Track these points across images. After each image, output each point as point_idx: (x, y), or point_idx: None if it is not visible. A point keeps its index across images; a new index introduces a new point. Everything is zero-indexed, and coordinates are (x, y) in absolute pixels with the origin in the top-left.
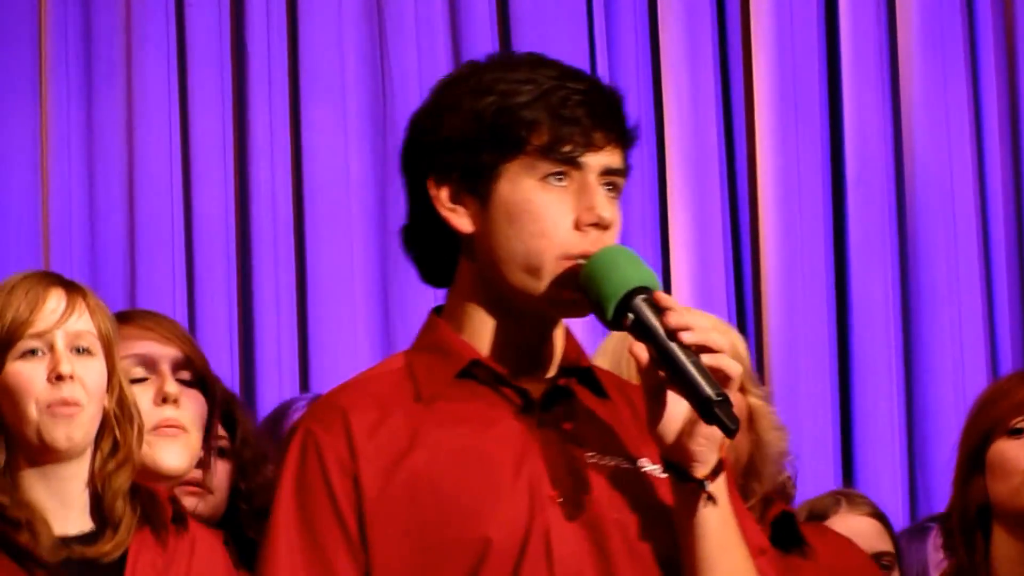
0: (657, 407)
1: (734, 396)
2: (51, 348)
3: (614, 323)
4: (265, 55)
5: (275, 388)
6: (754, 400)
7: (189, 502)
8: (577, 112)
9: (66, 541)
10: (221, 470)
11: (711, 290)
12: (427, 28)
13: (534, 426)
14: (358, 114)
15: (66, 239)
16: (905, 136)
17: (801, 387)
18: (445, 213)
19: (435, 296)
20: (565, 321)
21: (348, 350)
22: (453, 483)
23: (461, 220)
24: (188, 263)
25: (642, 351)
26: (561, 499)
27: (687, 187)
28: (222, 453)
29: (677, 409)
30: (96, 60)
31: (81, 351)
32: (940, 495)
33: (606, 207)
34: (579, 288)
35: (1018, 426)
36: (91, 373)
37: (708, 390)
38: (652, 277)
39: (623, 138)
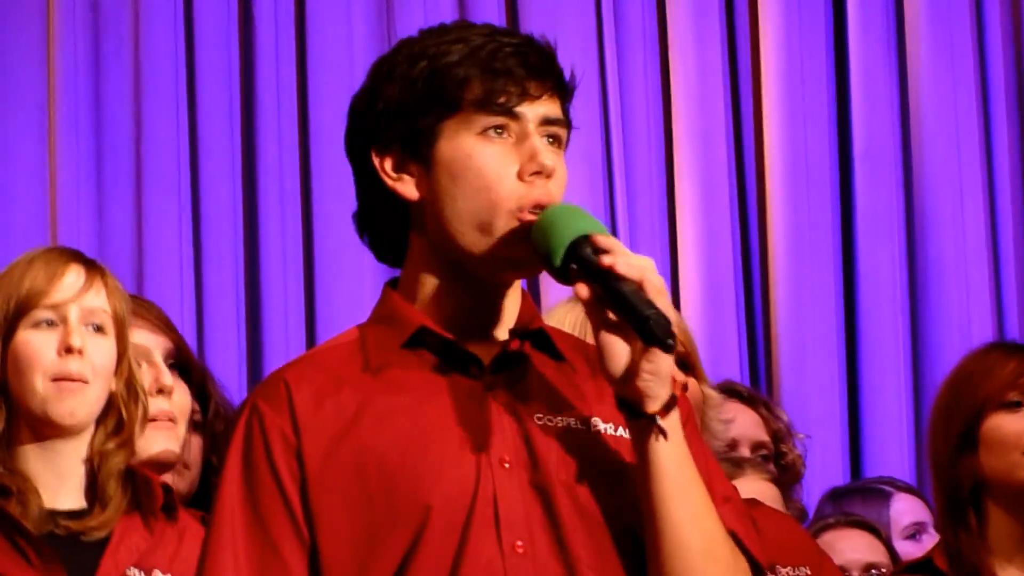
0: (604, 346)
1: (692, 383)
2: (64, 321)
3: (562, 273)
4: (272, 24)
5: (282, 358)
6: (706, 388)
7: (167, 479)
8: (509, 63)
9: (54, 515)
10: (195, 444)
11: (718, 266)
12: (434, 5)
13: (483, 391)
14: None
15: (73, 210)
16: (912, 110)
17: (808, 362)
18: (390, 183)
19: None
20: (521, 284)
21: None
22: (398, 453)
23: (407, 188)
24: (195, 236)
25: (584, 289)
26: (508, 463)
27: (695, 162)
28: (194, 427)
29: (620, 347)
30: (104, 32)
31: (94, 328)
32: None
33: (548, 155)
34: (529, 243)
35: (1013, 399)
36: (100, 351)
37: (644, 309)
38: (600, 227)
39: (560, 89)
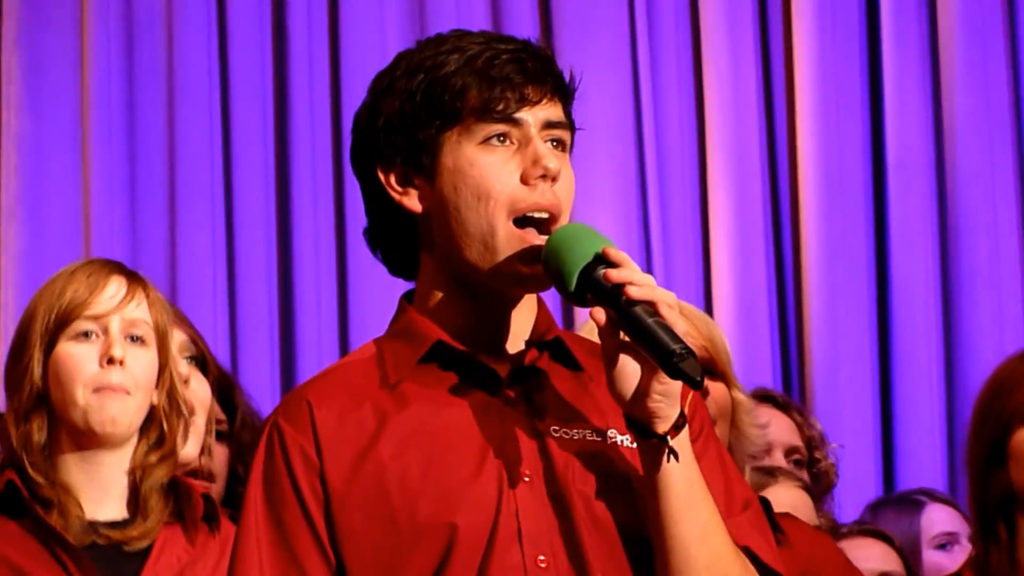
0: (614, 368)
1: (718, 389)
2: (105, 332)
3: (576, 297)
4: (306, 30)
5: (315, 367)
6: (738, 395)
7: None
8: (506, 69)
9: (95, 526)
10: (221, 454)
11: (752, 274)
12: (467, 10)
13: (500, 404)
14: None
15: (107, 217)
16: (946, 120)
17: (842, 372)
18: (396, 197)
19: None
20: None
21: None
22: (420, 468)
23: (412, 201)
24: (229, 241)
25: (600, 314)
26: (528, 477)
27: (728, 172)
28: (220, 436)
29: (631, 368)
30: (137, 36)
31: (135, 339)
32: None
33: (552, 158)
34: (537, 262)
35: None
36: (142, 363)
37: (670, 344)
38: (609, 244)
39: (559, 91)
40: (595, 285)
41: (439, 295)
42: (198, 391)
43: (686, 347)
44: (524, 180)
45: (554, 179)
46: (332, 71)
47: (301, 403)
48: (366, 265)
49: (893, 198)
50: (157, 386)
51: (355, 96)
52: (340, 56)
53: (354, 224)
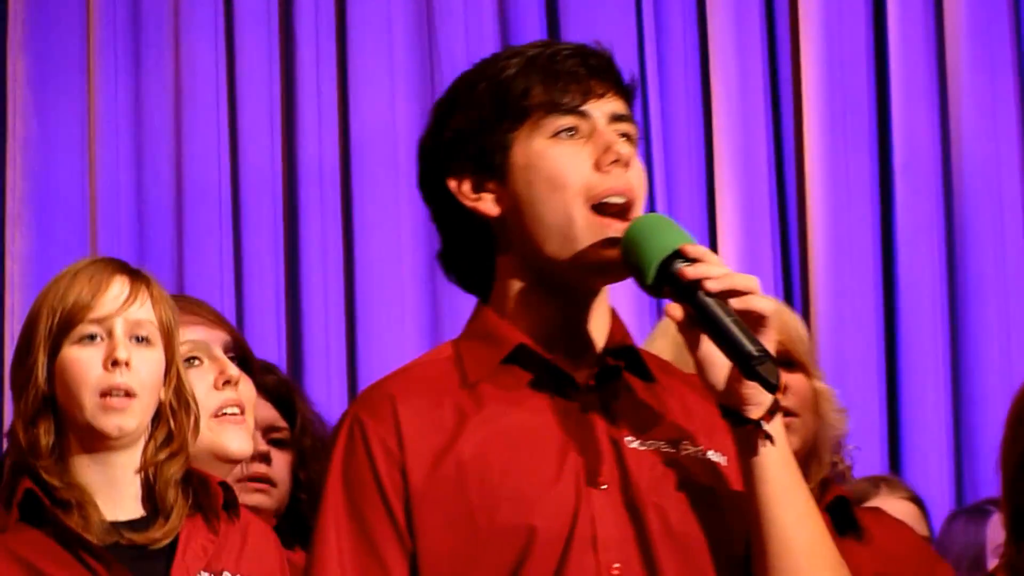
0: (703, 359)
1: (797, 380)
2: (110, 334)
3: (654, 288)
4: (313, 36)
5: (323, 373)
6: (818, 384)
7: (256, 499)
8: (567, 64)
9: (116, 526)
10: (282, 460)
11: (759, 279)
12: (475, 13)
13: (579, 410)
14: (406, 97)
15: (114, 221)
16: (952, 124)
17: (849, 375)
18: (470, 204)
19: None
20: (611, 303)
21: (396, 339)
22: (500, 470)
23: (487, 205)
24: (236, 246)
25: (677, 310)
26: (606, 485)
27: (735, 175)
28: (282, 444)
29: (720, 358)
30: (144, 40)
31: (140, 340)
32: (986, 482)
33: (624, 145)
34: (618, 247)
35: None
36: (148, 363)
37: (748, 347)
38: (689, 239)
39: (622, 89)
40: (672, 280)
41: (517, 299)
42: (244, 391)
43: (763, 349)
44: (597, 167)
45: (627, 165)
46: (340, 74)
47: (383, 397)
48: (373, 265)
49: (900, 200)
50: (164, 383)
51: (362, 99)
52: (348, 59)
53: (361, 228)
